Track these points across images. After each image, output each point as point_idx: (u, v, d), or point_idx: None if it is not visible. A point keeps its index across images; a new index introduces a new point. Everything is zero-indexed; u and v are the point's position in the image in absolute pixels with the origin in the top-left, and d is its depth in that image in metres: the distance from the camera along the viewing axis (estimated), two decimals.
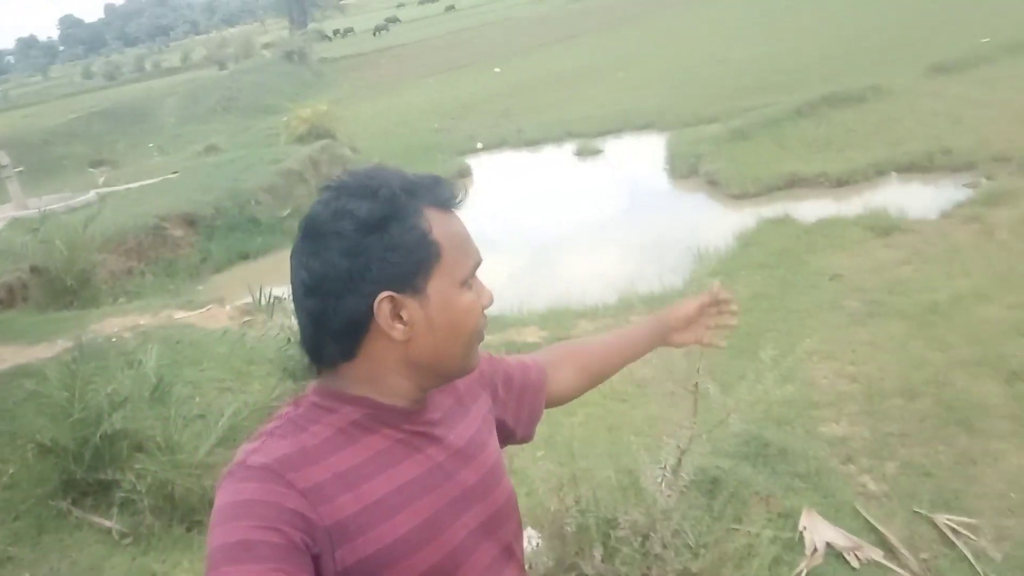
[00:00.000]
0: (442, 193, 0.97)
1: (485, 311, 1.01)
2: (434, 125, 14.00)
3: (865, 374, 4.25)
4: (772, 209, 6.95)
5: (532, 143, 11.64)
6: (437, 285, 0.96)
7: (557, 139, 11.46)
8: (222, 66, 28.66)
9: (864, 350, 4.50)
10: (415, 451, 1.00)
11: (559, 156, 10.89)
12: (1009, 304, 4.63)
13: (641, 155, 9.89)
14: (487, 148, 11.88)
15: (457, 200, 0.98)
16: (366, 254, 0.93)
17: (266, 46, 32.90)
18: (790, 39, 14.40)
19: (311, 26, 37.41)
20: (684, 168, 8.74)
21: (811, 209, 6.73)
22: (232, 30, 68.50)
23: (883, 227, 6.03)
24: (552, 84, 15.63)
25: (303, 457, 0.93)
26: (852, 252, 5.83)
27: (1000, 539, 3.00)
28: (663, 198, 8.43)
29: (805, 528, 3.09)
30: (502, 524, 1.08)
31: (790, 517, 3.15)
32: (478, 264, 1.00)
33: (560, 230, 8.07)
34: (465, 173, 10.79)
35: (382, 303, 0.93)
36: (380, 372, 0.99)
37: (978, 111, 8.15)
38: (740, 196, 7.63)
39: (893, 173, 7.40)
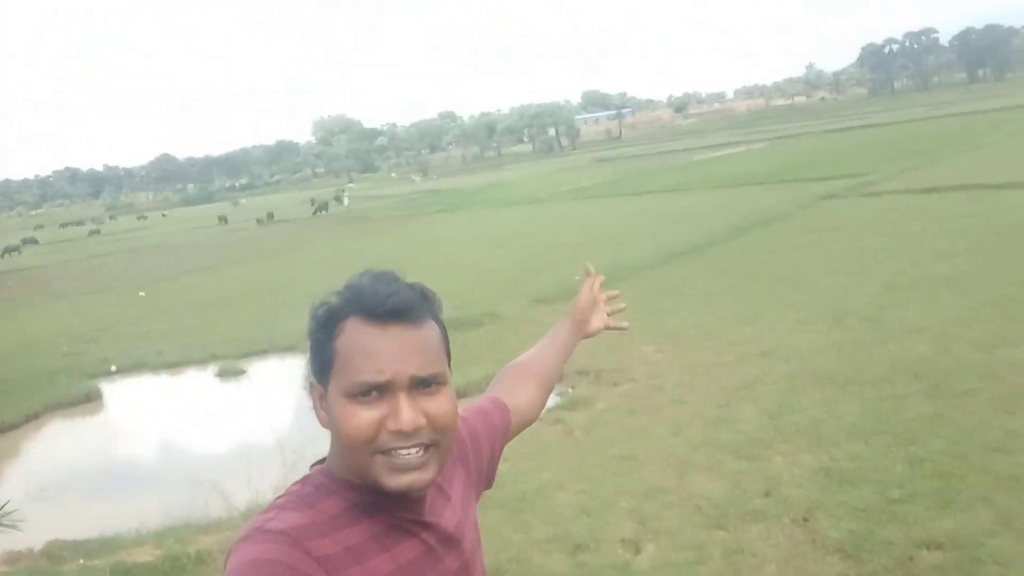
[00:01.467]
0: (367, 304, 1.04)
1: (392, 431, 1.01)
2: (63, 348, 13.08)
3: None
4: None
5: (173, 365, 11.39)
6: (332, 388, 1.05)
7: (200, 361, 11.36)
8: None
9: None
10: (410, 535, 1.07)
11: (200, 378, 10.78)
12: (578, 490, 5.51)
13: (282, 375, 10.19)
14: (122, 371, 11.36)
15: (379, 314, 1.03)
16: (311, 343, 1.08)
17: None
18: (428, 272, 16.05)
19: None
20: None
21: None
22: None
23: None
24: (200, 308, 15.57)
25: (315, 529, 0.99)
26: None
27: None
28: (295, 412, 8.72)
29: None
30: None
31: None
32: (371, 384, 1.02)
33: (188, 447, 7.95)
34: (94, 397, 10.18)
35: (310, 386, 1.09)
36: (336, 451, 1.07)
37: None
38: None
39: None
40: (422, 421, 1.02)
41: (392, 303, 1.03)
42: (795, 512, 4.69)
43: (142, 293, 18.82)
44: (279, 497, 1.06)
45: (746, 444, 5.83)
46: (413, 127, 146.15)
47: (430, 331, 1.08)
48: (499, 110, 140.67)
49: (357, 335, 1.03)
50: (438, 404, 1.05)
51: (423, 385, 1.04)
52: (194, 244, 32.33)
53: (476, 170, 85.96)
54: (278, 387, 9.88)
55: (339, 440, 1.05)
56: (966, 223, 12.69)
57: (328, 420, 1.07)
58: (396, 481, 1.02)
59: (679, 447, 6.01)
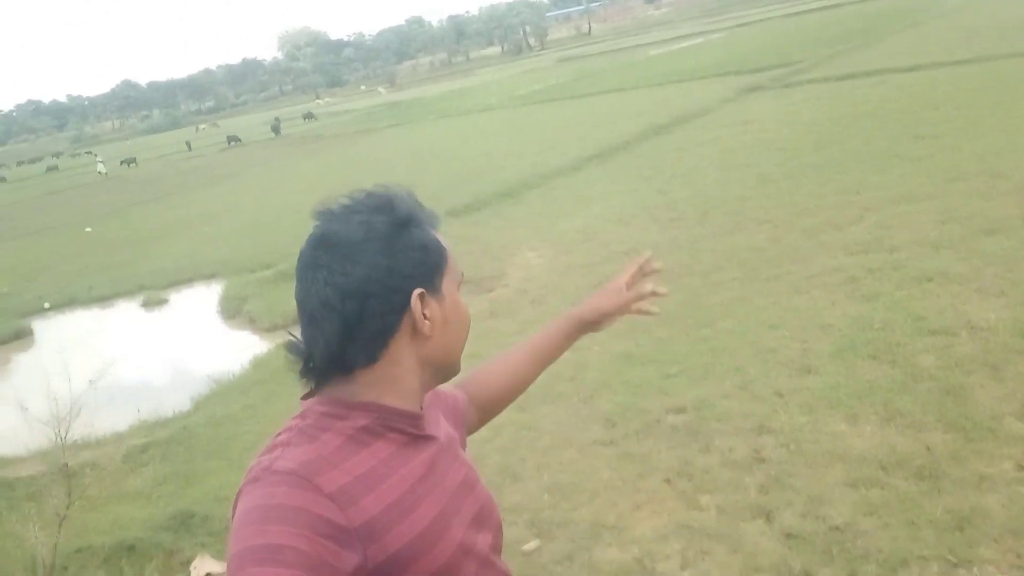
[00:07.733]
0: (431, 218, 1.11)
1: None
2: (3, 289, 13.64)
3: None
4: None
5: (103, 299, 11.98)
6: (447, 285, 1.08)
7: (128, 293, 11.94)
8: None
9: None
10: (418, 452, 1.06)
11: (126, 310, 11.40)
12: None
13: (202, 302, 10.80)
14: (55, 307, 11.96)
15: (438, 223, 1.13)
16: (403, 253, 1.02)
17: None
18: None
19: None
20: (231, 309, 9.83)
21: None
22: None
23: None
24: (138, 241, 16.06)
25: (323, 462, 0.96)
26: None
27: None
28: (211, 336, 9.38)
29: (195, 567, 4.09)
30: (490, 515, 1.17)
31: (189, 563, 4.14)
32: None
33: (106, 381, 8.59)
34: (24, 334, 10.80)
35: (418, 298, 1.03)
36: (398, 373, 1.05)
37: None
38: (271, 328, 8.84)
39: None
40: None
41: (438, 216, 1.14)
42: (584, 392, 5.40)
43: (88, 229, 19.24)
44: (280, 433, 1.03)
45: None
46: (380, 36, 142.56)
47: None
48: (468, 12, 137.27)
49: (441, 238, 1.11)
50: None
51: None
52: (149, 174, 32.44)
53: (443, 77, 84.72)
54: (195, 314, 10.51)
55: (460, 327, 1.12)
56: (859, 109, 13.14)
57: (440, 320, 1.08)
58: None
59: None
